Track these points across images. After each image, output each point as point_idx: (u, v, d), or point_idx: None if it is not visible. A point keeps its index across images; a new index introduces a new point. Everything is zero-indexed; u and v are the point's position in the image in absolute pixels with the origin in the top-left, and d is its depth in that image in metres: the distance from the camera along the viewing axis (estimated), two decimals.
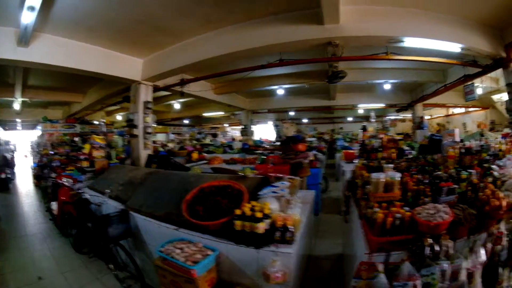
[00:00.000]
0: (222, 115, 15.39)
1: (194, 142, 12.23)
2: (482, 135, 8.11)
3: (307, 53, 5.91)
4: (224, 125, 19.68)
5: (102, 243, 3.05)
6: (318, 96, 11.81)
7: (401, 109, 12.10)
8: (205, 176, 3.55)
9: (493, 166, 2.75)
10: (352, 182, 3.05)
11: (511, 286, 2.49)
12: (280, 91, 9.85)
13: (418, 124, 10.78)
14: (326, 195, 7.00)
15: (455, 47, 5.11)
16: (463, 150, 2.93)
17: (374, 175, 2.21)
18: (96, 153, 5.66)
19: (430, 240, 1.73)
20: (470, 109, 13.08)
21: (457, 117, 14.49)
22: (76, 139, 9.57)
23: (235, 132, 17.42)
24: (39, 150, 10.09)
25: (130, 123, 6.80)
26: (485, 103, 11.85)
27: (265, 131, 17.06)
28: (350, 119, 18.24)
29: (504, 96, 6.66)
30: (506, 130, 6.84)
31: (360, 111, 14.82)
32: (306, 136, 12.26)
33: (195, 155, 7.84)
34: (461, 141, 3.63)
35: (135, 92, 6.87)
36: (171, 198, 2.82)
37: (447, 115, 15.33)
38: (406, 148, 3.83)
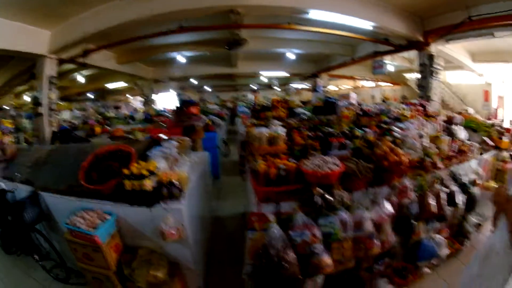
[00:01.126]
0: (125, 86, 14.80)
1: (98, 116, 11.38)
2: (384, 101, 9.07)
3: (209, 21, 5.88)
4: (128, 96, 18.56)
5: (22, 233, 2.84)
6: (220, 64, 11.68)
7: (306, 78, 12.63)
8: (101, 144, 3.53)
9: (394, 128, 3.01)
10: (244, 141, 3.13)
11: (429, 238, 2.85)
12: (182, 59, 9.71)
13: (313, 87, 11.38)
14: (228, 159, 7.17)
15: (366, 25, 5.44)
16: (360, 112, 3.14)
17: (257, 130, 2.28)
18: (6, 139, 4.86)
19: (319, 190, 1.78)
20: (382, 84, 14.47)
21: (366, 90, 15.83)
22: None
23: (138, 103, 16.61)
24: None
25: (36, 101, 6.51)
26: (398, 80, 13.27)
27: (167, 100, 16.49)
28: (254, 87, 18.09)
29: (417, 75, 7.53)
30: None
31: (264, 80, 15.04)
32: (209, 103, 12.26)
33: (98, 129, 7.66)
34: (359, 104, 3.90)
35: (40, 67, 6.49)
36: (71, 170, 2.76)
37: (356, 87, 16.40)
38: (301, 110, 4.04)
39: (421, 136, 2.96)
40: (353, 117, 3.09)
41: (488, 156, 3.44)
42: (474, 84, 11.09)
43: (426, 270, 2.90)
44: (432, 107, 5.37)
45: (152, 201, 2.00)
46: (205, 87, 18.27)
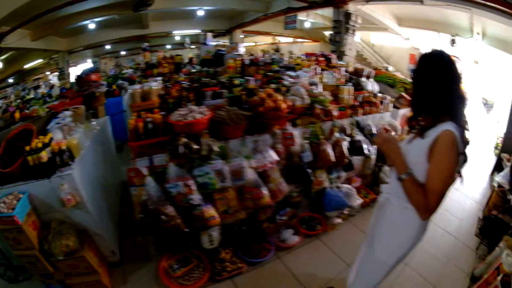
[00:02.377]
0: (42, 63, 13.77)
1: (19, 101, 10.42)
2: (277, 51, 9.34)
3: None
4: (46, 73, 17.12)
5: None
6: (132, 26, 11.47)
7: (219, 35, 12.61)
8: (13, 128, 3.28)
9: (284, 76, 3.05)
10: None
11: (333, 187, 2.88)
12: (92, 25, 9.55)
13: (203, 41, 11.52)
14: None
15: None
16: (247, 62, 3.25)
17: (131, 87, 2.25)
18: None
19: (184, 139, 1.81)
20: (300, 40, 14.75)
21: (284, 46, 16.04)
22: None
23: (55, 78, 15.45)
24: None
25: None
26: (317, 36, 13.68)
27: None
28: (168, 47, 17.61)
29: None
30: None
31: (178, 38, 14.86)
32: (125, 67, 11.83)
33: (17, 115, 6.97)
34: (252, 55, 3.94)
35: None
36: None
37: (274, 44, 16.75)
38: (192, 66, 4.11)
39: (312, 84, 2.99)
40: (239, 67, 3.15)
41: (406, 111, 3.51)
42: (401, 47, 11.62)
43: (338, 220, 2.96)
44: (344, 61, 5.45)
45: (49, 172, 2.03)
46: (121, 52, 17.36)
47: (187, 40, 11.97)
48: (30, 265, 2.08)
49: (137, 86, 2.20)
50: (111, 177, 3.19)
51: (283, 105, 2.28)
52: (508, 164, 4.65)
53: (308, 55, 4.45)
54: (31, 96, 10.97)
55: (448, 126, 1.19)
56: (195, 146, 1.86)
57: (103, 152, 3.06)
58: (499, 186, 4.11)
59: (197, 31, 12.04)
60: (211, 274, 2.15)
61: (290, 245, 2.60)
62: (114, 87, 5.05)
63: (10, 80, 14.08)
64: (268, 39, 16.10)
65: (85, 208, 2.11)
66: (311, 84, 3.03)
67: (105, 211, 2.52)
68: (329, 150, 2.64)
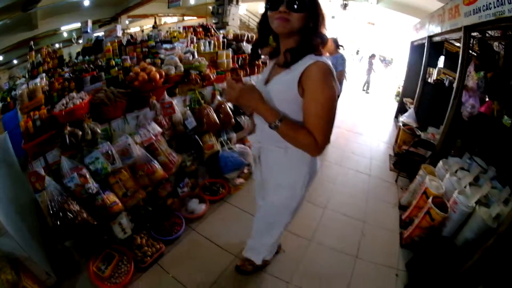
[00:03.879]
0: None
1: None
2: (154, 27, 9.61)
3: None
4: None
5: None
6: (21, 29, 10.63)
7: (105, 23, 12.27)
8: None
9: (160, 50, 3.09)
10: None
11: (225, 149, 2.90)
12: None
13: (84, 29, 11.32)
14: None
15: None
16: (124, 42, 3.23)
17: (18, 88, 2.09)
18: None
19: (69, 128, 1.80)
20: (186, 18, 14.79)
21: (171, 26, 16.06)
22: None
23: None
24: None
25: None
26: (202, 12, 13.71)
27: None
28: (57, 46, 16.84)
29: None
30: None
31: (65, 35, 14.18)
32: (18, 78, 10.75)
33: None
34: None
35: None
36: None
37: (158, 25, 16.29)
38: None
39: (187, 53, 3.05)
40: (116, 49, 3.09)
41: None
42: None
43: (240, 180, 3.08)
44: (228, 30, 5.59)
45: None
46: (14, 61, 15.27)
47: (74, 34, 11.04)
48: None
49: (23, 86, 1.97)
50: (22, 195, 2.82)
51: (157, 76, 2.30)
52: (412, 106, 5.57)
53: (185, 28, 4.52)
54: None
55: (317, 58, 1.10)
56: (80, 133, 1.84)
57: (8, 173, 2.69)
58: (404, 125, 4.76)
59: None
60: (135, 264, 2.09)
61: (199, 214, 2.62)
62: (8, 99, 4.33)
63: None
64: (151, 22, 15.40)
65: (6, 233, 1.85)
66: (186, 52, 3.09)
67: (26, 231, 2.23)
68: (212, 113, 2.72)
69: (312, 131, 1.10)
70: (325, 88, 1.08)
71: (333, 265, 2.29)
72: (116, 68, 2.51)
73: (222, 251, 2.31)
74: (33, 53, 3.84)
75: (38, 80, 2.29)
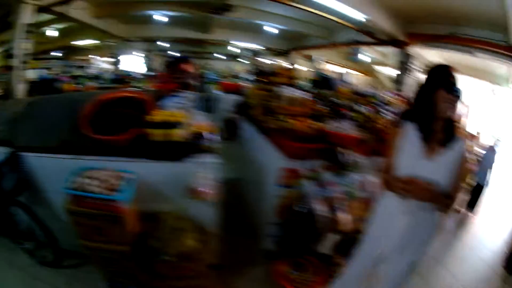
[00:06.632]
0: (92, 44, 13.46)
1: (66, 74, 10.62)
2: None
3: None
4: (90, 56, 17.14)
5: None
6: (194, 28, 11.12)
7: (278, 54, 12.87)
8: (97, 92, 3.08)
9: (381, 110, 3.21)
10: (243, 104, 3.26)
11: None
12: (159, 18, 9.28)
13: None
14: None
15: (359, 16, 6.02)
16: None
17: (286, 91, 2.43)
18: None
19: (341, 150, 2.00)
20: (349, 70, 15.24)
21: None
22: None
23: (103, 63, 15.61)
24: None
25: (7, 54, 5.73)
26: (366, 70, 14.13)
27: (132, 62, 15.75)
28: (219, 56, 17.06)
29: (388, 70, 8.42)
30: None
31: (234, 50, 14.40)
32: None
33: (66, 87, 7.14)
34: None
35: (16, 14, 5.59)
36: (63, 123, 2.28)
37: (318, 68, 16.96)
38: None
39: None
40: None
41: None
42: None
43: None
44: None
45: (182, 154, 1.76)
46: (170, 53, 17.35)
47: (247, 53, 12.27)
48: (104, 261, 1.75)
49: (296, 91, 2.41)
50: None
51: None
52: None
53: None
54: (79, 73, 11.01)
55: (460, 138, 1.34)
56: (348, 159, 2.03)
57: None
58: None
59: (256, 46, 12.51)
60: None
61: None
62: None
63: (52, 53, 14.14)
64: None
65: (213, 203, 1.86)
66: None
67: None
68: None
69: (452, 195, 1.35)
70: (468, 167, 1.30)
71: None
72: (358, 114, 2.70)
73: None
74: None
75: (297, 92, 2.58)
